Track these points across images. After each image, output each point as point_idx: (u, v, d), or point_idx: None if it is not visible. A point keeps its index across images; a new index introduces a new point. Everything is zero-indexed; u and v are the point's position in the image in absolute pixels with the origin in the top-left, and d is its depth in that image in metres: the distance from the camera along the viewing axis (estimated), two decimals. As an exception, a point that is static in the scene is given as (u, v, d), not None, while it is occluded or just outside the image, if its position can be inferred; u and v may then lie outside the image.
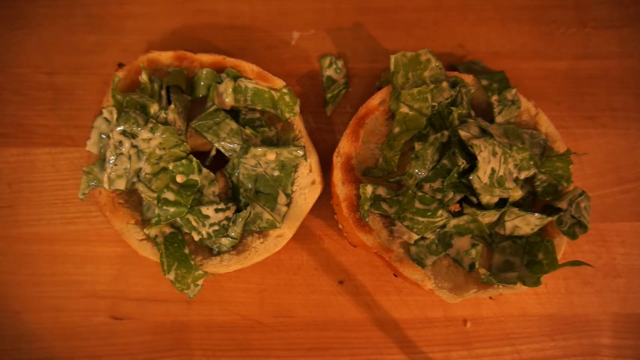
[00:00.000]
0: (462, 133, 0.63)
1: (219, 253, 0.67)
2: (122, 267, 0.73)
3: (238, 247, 0.67)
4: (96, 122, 0.66)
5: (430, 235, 0.65)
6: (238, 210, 0.66)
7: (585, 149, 0.77)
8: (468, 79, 0.70)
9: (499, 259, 0.68)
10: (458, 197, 0.65)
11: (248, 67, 0.69)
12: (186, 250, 0.65)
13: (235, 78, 0.68)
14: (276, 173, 0.67)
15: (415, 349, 0.72)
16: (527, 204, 0.68)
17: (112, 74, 0.68)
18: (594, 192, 0.76)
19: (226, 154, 0.66)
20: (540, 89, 0.79)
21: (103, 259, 0.73)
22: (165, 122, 0.64)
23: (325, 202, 0.74)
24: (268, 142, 0.68)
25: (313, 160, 0.69)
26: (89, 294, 0.72)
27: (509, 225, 0.65)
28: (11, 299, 0.72)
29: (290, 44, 0.79)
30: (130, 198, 0.68)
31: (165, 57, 0.69)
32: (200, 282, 0.65)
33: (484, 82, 0.70)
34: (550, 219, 0.65)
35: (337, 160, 0.67)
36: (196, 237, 0.65)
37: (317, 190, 0.68)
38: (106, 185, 0.63)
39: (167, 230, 0.66)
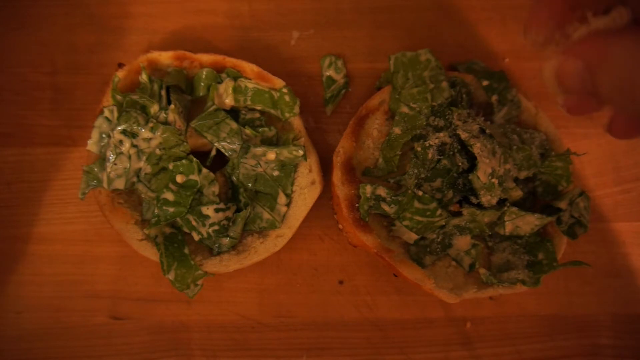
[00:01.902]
0: (462, 133, 0.63)
1: (219, 253, 0.67)
2: (122, 267, 0.73)
3: (238, 247, 0.67)
4: (97, 122, 0.66)
5: (430, 235, 0.65)
6: (238, 210, 0.66)
7: (585, 149, 0.77)
8: (468, 79, 0.70)
9: (499, 259, 0.68)
10: (458, 197, 0.65)
11: (248, 67, 0.69)
12: (186, 250, 0.65)
13: (235, 78, 0.68)
14: (276, 173, 0.67)
15: (415, 349, 0.72)
16: (527, 204, 0.68)
17: (112, 74, 0.68)
18: (594, 192, 0.76)
19: (226, 154, 0.66)
20: (540, 89, 0.79)
21: (103, 259, 0.73)
22: (166, 122, 0.64)
23: (325, 202, 0.74)
24: (268, 142, 0.68)
25: (313, 160, 0.69)
26: (89, 294, 0.72)
27: (509, 225, 0.65)
28: (11, 299, 0.72)
29: (290, 44, 0.79)
30: (130, 198, 0.68)
31: (165, 57, 0.69)
32: (200, 282, 0.65)
33: (484, 82, 0.70)
34: (550, 218, 0.65)
35: (337, 160, 0.67)
36: (196, 237, 0.65)
37: (317, 190, 0.68)
38: (105, 185, 0.63)
39: (167, 230, 0.66)
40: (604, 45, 0.35)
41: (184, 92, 0.70)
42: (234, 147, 0.65)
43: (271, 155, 0.65)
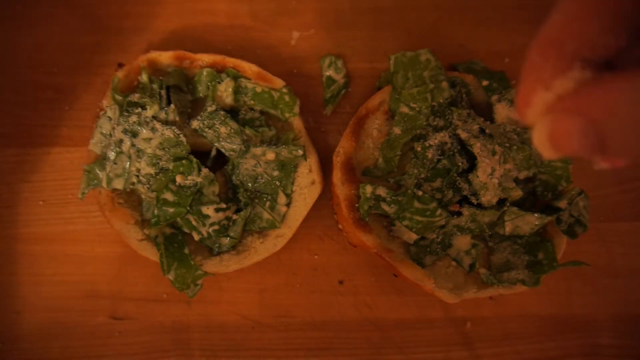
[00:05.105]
0: (462, 133, 0.63)
1: (219, 253, 0.67)
2: (122, 267, 0.73)
3: (238, 247, 0.67)
4: (99, 121, 0.66)
5: (430, 235, 0.65)
6: (238, 210, 0.67)
7: (585, 149, 0.77)
8: (468, 79, 0.70)
9: (499, 259, 0.68)
10: (457, 197, 0.65)
11: (248, 67, 0.69)
12: (186, 251, 0.65)
13: (236, 78, 0.68)
14: (276, 173, 0.67)
15: (415, 349, 0.72)
16: (527, 204, 0.68)
17: (112, 74, 0.68)
18: (594, 192, 0.76)
19: (226, 154, 0.66)
20: (540, 89, 0.79)
21: (103, 259, 0.73)
22: (166, 122, 0.64)
23: (325, 202, 0.74)
24: (268, 142, 0.68)
25: (313, 160, 0.69)
26: (89, 294, 0.72)
27: (509, 225, 0.65)
28: (11, 299, 0.72)
29: (290, 44, 0.79)
30: (130, 198, 0.68)
31: (165, 57, 0.69)
32: (200, 282, 0.65)
33: (484, 82, 0.70)
34: (549, 218, 0.65)
35: (337, 160, 0.67)
36: (196, 237, 0.65)
37: (317, 190, 0.68)
38: (104, 184, 0.63)
39: (167, 230, 0.66)
40: (609, 93, 0.29)
41: (184, 92, 0.70)
42: (234, 147, 0.65)
43: (271, 155, 0.65)
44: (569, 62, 0.32)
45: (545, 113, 0.33)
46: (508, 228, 0.65)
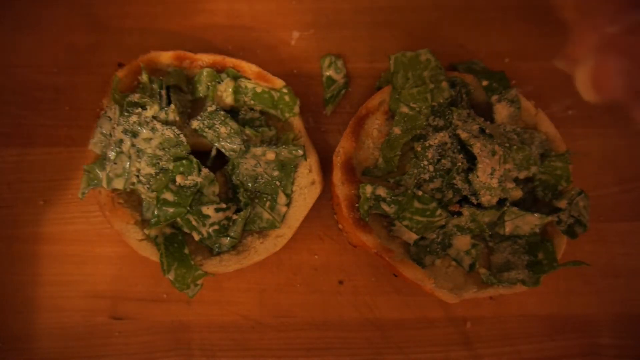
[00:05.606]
0: (462, 133, 0.63)
1: (219, 253, 0.67)
2: (122, 267, 0.73)
3: (238, 247, 0.67)
4: (99, 121, 0.66)
5: (430, 235, 0.65)
6: (238, 210, 0.67)
7: (585, 149, 0.77)
8: (468, 79, 0.70)
9: (499, 259, 0.68)
10: (457, 197, 0.65)
11: (248, 67, 0.69)
12: (186, 251, 0.65)
13: (235, 78, 0.68)
14: (276, 173, 0.67)
15: (415, 349, 0.72)
16: (527, 204, 0.68)
17: (112, 74, 0.68)
18: (594, 192, 0.75)
19: (226, 154, 0.66)
20: (540, 89, 0.79)
21: (103, 259, 0.73)
22: (166, 122, 0.64)
23: (325, 202, 0.74)
24: (268, 142, 0.68)
25: (313, 160, 0.69)
26: (89, 294, 0.72)
27: (509, 225, 0.65)
28: (11, 299, 0.72)
29: (290, 44, 0.79)
30: (130, 198, 0.68)
31: (165, 57, 0.69)
32: (200, 282, 0.65)
33: (484, 82, 0.70)
34: (550, 218, 0.65)
35: (337, 160, 0.67)
36: (196, 237, 0.65)
37: (317, 190, 0.68)
38: (104, 184, 0.63)
39: (167, 230, 0.66)
40: None
41: (184, 92, 0.70)
42: (234, 147, 0.65)
43: (271, 155, 0.65)
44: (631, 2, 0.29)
45: (592, 53, 0.31)
46: (508, 228, 0.65)
